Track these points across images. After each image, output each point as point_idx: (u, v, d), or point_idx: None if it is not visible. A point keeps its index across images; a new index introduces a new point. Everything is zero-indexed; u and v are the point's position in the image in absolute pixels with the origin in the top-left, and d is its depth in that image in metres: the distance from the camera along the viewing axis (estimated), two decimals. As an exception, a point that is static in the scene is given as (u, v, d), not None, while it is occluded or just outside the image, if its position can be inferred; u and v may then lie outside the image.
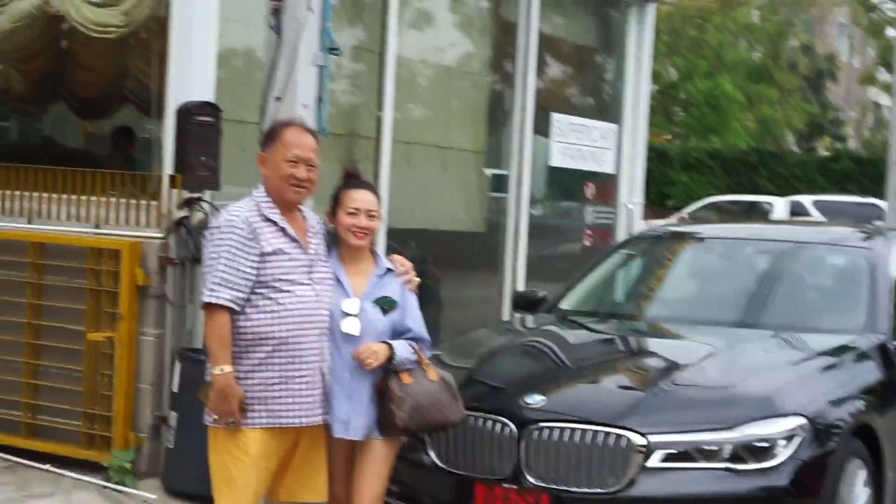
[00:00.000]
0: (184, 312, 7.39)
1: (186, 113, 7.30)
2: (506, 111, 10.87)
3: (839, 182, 33.88)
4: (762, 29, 40.25)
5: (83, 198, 7.63)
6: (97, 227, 7.56)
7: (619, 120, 12.03)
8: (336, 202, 5.34)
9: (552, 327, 7.12)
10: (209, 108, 7.40)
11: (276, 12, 7.24)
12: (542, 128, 10.97)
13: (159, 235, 7.35)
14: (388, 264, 5.38)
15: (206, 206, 7.37)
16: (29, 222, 7.81)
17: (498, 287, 10.68)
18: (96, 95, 12.58)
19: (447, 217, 10.65)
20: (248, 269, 4.98)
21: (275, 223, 5.09)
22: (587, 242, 11.90)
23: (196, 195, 7.35)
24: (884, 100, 40.04)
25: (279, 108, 7.04)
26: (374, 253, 5.42)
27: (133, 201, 7.49)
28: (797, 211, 28.41)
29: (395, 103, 9.24)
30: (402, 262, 5.44)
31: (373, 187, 5.48)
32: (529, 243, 10.80)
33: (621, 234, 12.05)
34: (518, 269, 10.69)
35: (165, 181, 7.37)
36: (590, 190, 11.86)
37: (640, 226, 12.42)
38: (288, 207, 5.16)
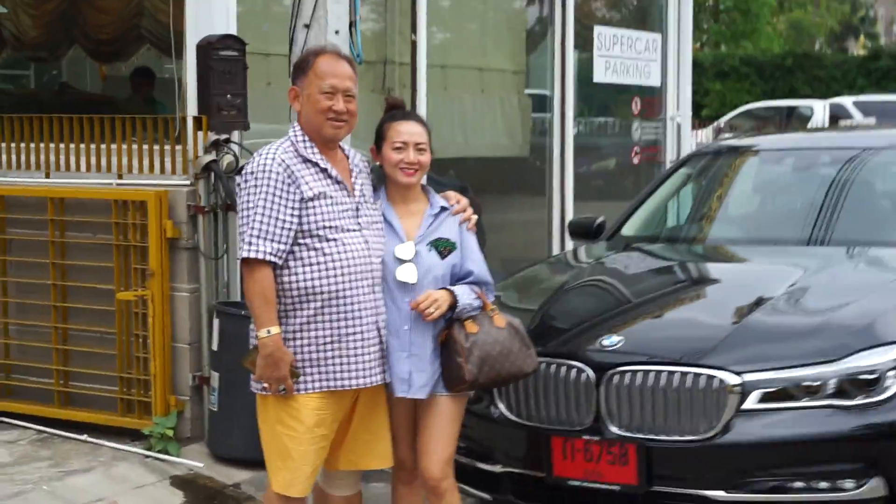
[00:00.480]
0: (219, 264, 6.85)
1: (208, 48, 6.72)
2: (544, 26, 10.24)
3: (879, 81, 32.90)
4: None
5: (103, 147, 7.06)
6: (120, 177, 7.01)
7: (664, 29, 11.36)
8: (380, 137, 4.79)
9: (619, 258, 6.54)
10: (232, 41, 6.83)
11: (300, -71, 6.63)
12: (581, 42, 10.33)
13: (187, 183, 6.80)
14: (442, 202, 4.84)
15: (235, 147, 6.82)
16: (47, 176, 7.27)
17: (546, 212, 10.11)
18: (112, 37, 12.11)
19: (489, 143, 10.06)
20: (288, 218, 4.44)
21: (315, 164, 4.55)
22: (635, 160, 11.30)
23: (224, 137, 6.78)
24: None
25: (308, 37, 6.42)
26: (426, 190, 4.87)
27: (157, 147, 6.93)
28: (838, 113, 27.53)
29: (429, 25, 8.62)
30: (458, 199, 4.89)
31: (420, 118, 4.93)
32: (576, 164, 10.20)
33: (670, 150, 11.47)
34: (566, 193, 10.11)
35: (190, 123, 6.80)
36: (636, 105, 11.23)
37: (689, 139, 11.82)
38: (327, 145, 4.61)
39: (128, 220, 6.78)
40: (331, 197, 4.54)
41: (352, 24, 6.67)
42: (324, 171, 4.55)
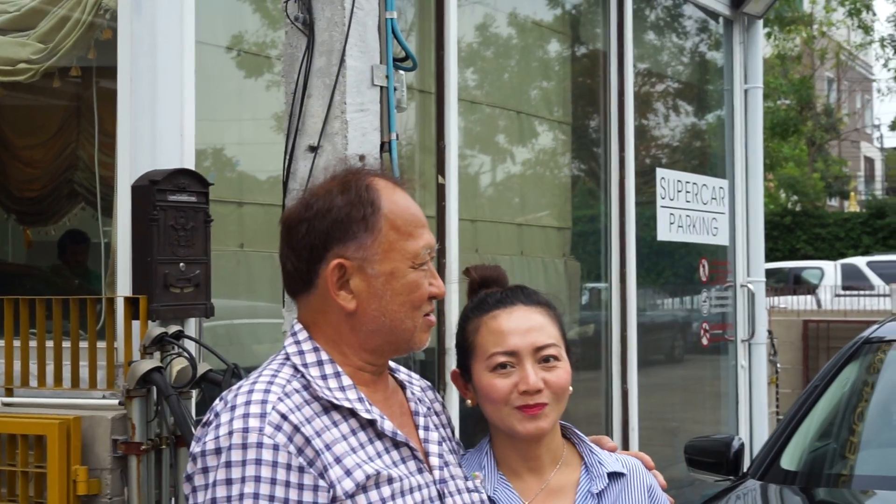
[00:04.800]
0: (164, 537, 4.31)
1: (150, 190, 4.30)
2: (595, 171, 7.91)
3: (884, 240, 30.86)
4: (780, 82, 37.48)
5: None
6: (9, 393, 4.49)
7: (730, 174, 9.08)
8: (466, 347, 2.35)
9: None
10: (188, 179, 4.41)
11: (304, -3, 4.20)
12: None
13: (114, 403, 4.28)
14: (610, 462, 2.38)
15: (190, 345, 4.32)
16: None
17: (602, 417, 7.60)
18: (39, 195, 9.86)
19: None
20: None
21: (349, 413, 2.08)
22: (704, 340, 8.86)
23: (174, 329, 4.29)
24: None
25: (316, 165, 3.97)
26: (573, 439, 2.41)
27: (66, 345, 4.43)
28: (851, 275, 25.44)
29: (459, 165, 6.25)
30: (635, 452, 2.45)
31: (537, 296, 2.53)
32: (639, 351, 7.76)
33: (742, 326, 9.04)
34: (630, 388, 7.63)
35: (120, 309, 4.33)
36: (703, 269, 8.86)
37: (764, 314, 9.40)
38: (375, 371, 2.16)
39: (14, 467, 4.23)
40: (391, 480, 2.06)
41: (385, 146, 4.17)
42: (367, 425, 2.09)
